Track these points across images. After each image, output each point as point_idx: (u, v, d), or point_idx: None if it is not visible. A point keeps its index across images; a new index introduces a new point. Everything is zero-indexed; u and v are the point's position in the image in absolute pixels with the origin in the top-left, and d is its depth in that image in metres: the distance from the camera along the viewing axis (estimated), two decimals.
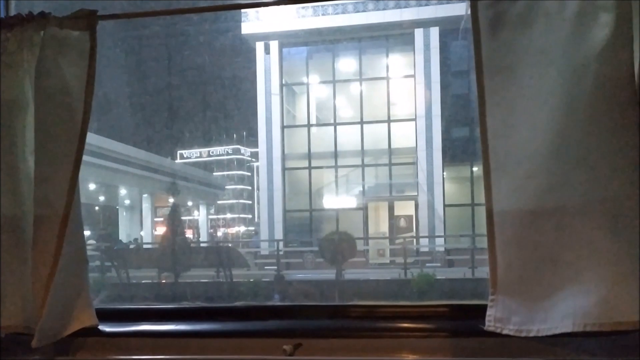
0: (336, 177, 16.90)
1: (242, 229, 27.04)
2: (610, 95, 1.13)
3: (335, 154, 16.75)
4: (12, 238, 1.37)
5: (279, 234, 16.55)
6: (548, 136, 1.17)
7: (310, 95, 17.65)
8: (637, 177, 1.13)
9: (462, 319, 1.44)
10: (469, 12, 1.25)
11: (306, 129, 17.38)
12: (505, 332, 1.24)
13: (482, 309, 1.28)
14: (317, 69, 17.59)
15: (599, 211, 1.15)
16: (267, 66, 17.03)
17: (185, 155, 24.09)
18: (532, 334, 1.21)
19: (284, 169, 17.02)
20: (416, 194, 15.94)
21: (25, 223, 1.37)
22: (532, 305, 1.21)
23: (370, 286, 11.16)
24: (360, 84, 17.04)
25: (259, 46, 16.86)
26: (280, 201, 16.81)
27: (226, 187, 26.86)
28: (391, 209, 16.90)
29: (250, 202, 26.65)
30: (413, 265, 12.79)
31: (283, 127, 17.08)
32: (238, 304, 1.72)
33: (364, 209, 16.63)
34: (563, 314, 1.18)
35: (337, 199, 16.82)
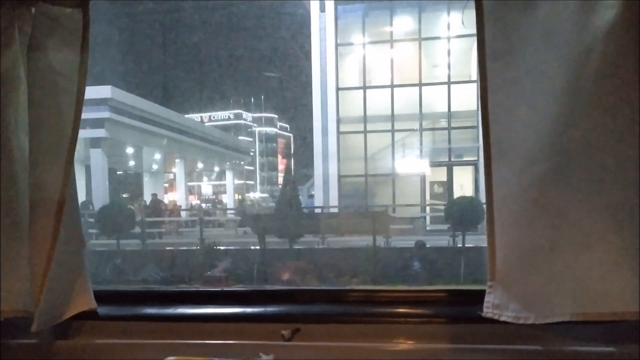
0: (392, 141, 16.66)
1: (257, 195, 27.17)
2: (616, 79, 1.09)
3: (392, 117, 16.48)
4: (8, 222, 1.36)
5: (333, 200, 16.63)
6: (551, 122, 1.13)
7: (361, 57, 17.28)
8: (638, 164, 1.10)
9: (460, 305, 1.44)
10: None
11: (359, 91, 17.09)
12: (502, 319, 1.23)
13: (480, 295, 1.27)
14: (371, 28, 17.15)
15: (600, 200, 1.12)
16: (321, 25, 16.77)
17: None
18: (529, 321, 1.20)
19: (338, 132, 16.93)
20: (476, 158, 15.51)
21: (22, 207, 1.36)
22: (530, 293, 1.20)
23: None
24: (420, 45, 16.54)
25: (314, 4, 16.58)
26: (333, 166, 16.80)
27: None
28: (450, 174, 16.56)
29: (252, 168, 26.63)
30: None
31: (338, 89, 16.89)
32: (236, 287, 1.74)
33: (421, 174, 16.39)
34: (562, 302, 1.17)
35: (393, 164, 16.63)
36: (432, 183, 16.58)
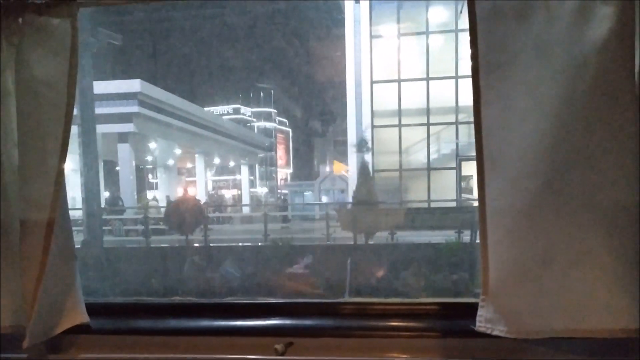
0: (428, 134, 16.41)
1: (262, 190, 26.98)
2: (610, 92, 1.09)
3: (428, 111, 16.23)
4: (0, 236, 1.36)
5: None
6: (544, 134, 1.12)
7: (395, 49, 17.02)
8: (636, 178, 1.09)
9: (453, 318, 1.44)
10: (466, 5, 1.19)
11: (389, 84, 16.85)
12: (495, 333, 1.23)
13: (473, 308, 1.27)
14: (406, 20, 16.88)
15: (593, 215, 1.11)
16: (356, 16, 16.58)
17: None
18: (522, 336, 1.20)
19: (372, 126, 16.79)
20: None
21: (12, 222, 1.36)
22: (523, 307, 1.19)
23: None
24: (456, 36, 16.21)
25: None
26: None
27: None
28: None
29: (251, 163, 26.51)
30: None
31: (372, 83, 16.72)
32: (229, 299, 1.74)
33: (458, 168, 16.11)
34: (554, 317, 1.17)
35: (428, 158, 16.41)
36: (464, 177, 16.28)
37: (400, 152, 16.71)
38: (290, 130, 35.96)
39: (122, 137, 15.57)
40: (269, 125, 33.41)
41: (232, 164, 22.48)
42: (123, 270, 9.27)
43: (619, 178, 1.10)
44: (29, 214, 1.31)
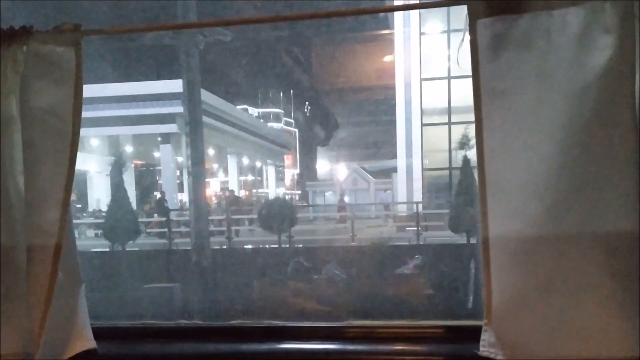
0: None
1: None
2: (610, 120, 1.08)
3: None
4: (6, 266, 1.36)
5: (417, 193, 16.27)
6: (546, 161, 1.13)
7: (445, 46, 16.69)
8: (636, 205, 1.09)
9: (457, 342, 1.44)
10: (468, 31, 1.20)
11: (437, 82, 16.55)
12: (499, 357, 1.23)
13: (477, 331, 1.26)
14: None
15: (597, 241, 1.11)
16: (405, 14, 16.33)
17: None
18: None
19: (422, 124, 16.56)
20: None
21: (19, 250, 1.36)
22: (526, 333, 1.19)
23: None
24: None
25: None
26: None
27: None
28: None
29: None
30: None
31: (421, 80, 16.49)
32: (235, 322, 1.73)
33: None
34: (557, 344, 1.17)
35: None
36: None
37: (449, 150, 16.43)
38: (296, 130, 36.42)
39: (165, 138, 15.52)
40: (276, 125, 33.69)
41: (258, 164, 22.43)
42: (237, 272, 9.33)
43: (620, 205, 1.10)
44: (35, 241, 1.32)
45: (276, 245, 12.02)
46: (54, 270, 1.31)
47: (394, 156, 18.17)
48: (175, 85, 14.46)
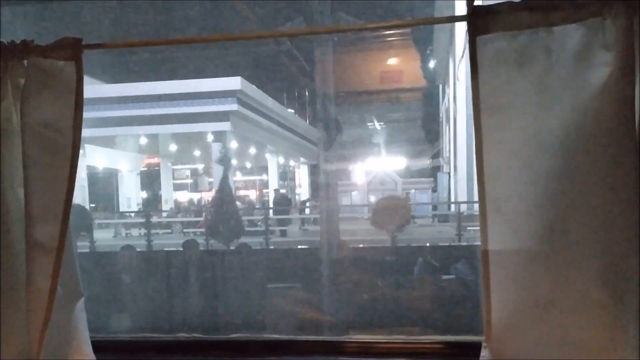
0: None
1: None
2: (610, 137, 1.09)
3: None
4: (7, 279, 1.36)
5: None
6: (546, 178, 1.13)
7: None
8: (636, 221, 1.09)
9: (456, 357, 1.45)
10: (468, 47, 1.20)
11: None
12: None
13: (476, 347, 1.26)
14: None
15: (597, 260, 1.12)
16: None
17: None
18: None
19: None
20: None
21: (20, 263, 1.36)
22: (525, 350, 1.20)
23: None
24: None
25: None
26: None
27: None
28: None
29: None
30: None
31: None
32: (234, 336, 1.73)
33: None
34: None
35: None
36: None
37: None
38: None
39: (217, 136, 14.97)
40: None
41: (292, 163, 22.10)
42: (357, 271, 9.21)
43: (619, 221, 1.10)
44: (34, 255, 1.32)
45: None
46: (53, 286, 1.31)
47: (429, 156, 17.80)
48: (231, 83, 13.94)
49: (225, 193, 11.92)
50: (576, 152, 1.10)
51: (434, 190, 19.24)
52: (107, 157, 16.50)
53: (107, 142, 16.08)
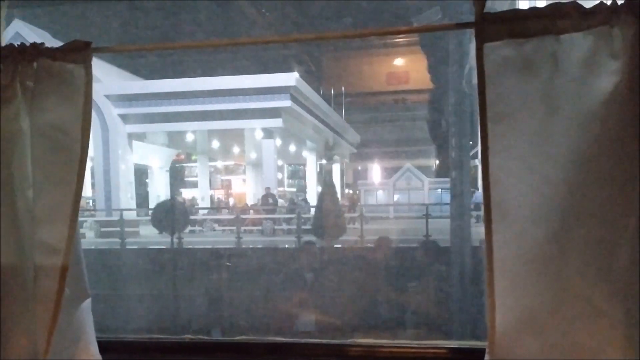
0: None
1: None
2: (616, 145, 1.09)
3: None
4: (15, 280, 1.36)
5: None
6: (552, 186, 1.13)
7: None
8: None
9: None
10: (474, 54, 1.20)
11: None
12: None
13: (479, 352, 1.27)
14: None
15: (600, 267, 1.12)
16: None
17: None
18: None
19: None
20: None
21: (27, 265, 1.36)
22: (529, 355, 1.19)
23: None
24: None
25: None
26: None
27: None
28: None
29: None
30: None
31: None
32: (239, 338, 1.73)
33: None
34: None
35: None
36: None
37: None
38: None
39: (267, 133, 14.90)
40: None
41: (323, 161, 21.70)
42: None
43: (624, 229, 1.10)
44: (42, 257, 1.32)
45: None
46: (60, 287, 1.32)
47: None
48: (282, 79, 13.75)
49: (331, 191, 11.79)
50: (582, 160, 1.10)
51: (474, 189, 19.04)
52: (137, 153, 16.34)
53: (138, 138, 16.03)
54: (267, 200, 14.58)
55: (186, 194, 20.84)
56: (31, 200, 1.35)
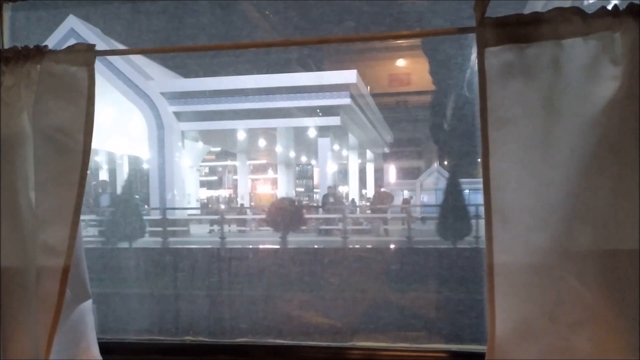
0: None
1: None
2: (617, 150, 1.09)
3: None
4: (17, 281, 1.37)
5: None
6: (552, 191, 1.13)
7: None
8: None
9: None
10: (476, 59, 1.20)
11: None
12: None
13: (480, 356, 1.26)
14: None
15: (602, 270, 1.12)
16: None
17: None
18: None
19: None
20: None
21: (30, 266, 1.36)
22: None
23: None
24: None
25: None
26: None
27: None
28: None
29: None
30: None
31: None
32: (240, 341, 1.73)
33: None
34: None
35: None
36: None
37: None
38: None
39: (323, 131, 14.58)
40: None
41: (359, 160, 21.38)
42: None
43: (625, 235, 1.10)
44: (44, 259, 1.33)
45: None
46: (62, 288, 1.32)
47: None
48: (341, 76, 13.45)
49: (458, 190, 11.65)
50: (583, 165, 1.10)
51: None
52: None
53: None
54: (328, 200, 14.20)
55: (210, 193, 20.46)
56: (34, 202, 1.36)
